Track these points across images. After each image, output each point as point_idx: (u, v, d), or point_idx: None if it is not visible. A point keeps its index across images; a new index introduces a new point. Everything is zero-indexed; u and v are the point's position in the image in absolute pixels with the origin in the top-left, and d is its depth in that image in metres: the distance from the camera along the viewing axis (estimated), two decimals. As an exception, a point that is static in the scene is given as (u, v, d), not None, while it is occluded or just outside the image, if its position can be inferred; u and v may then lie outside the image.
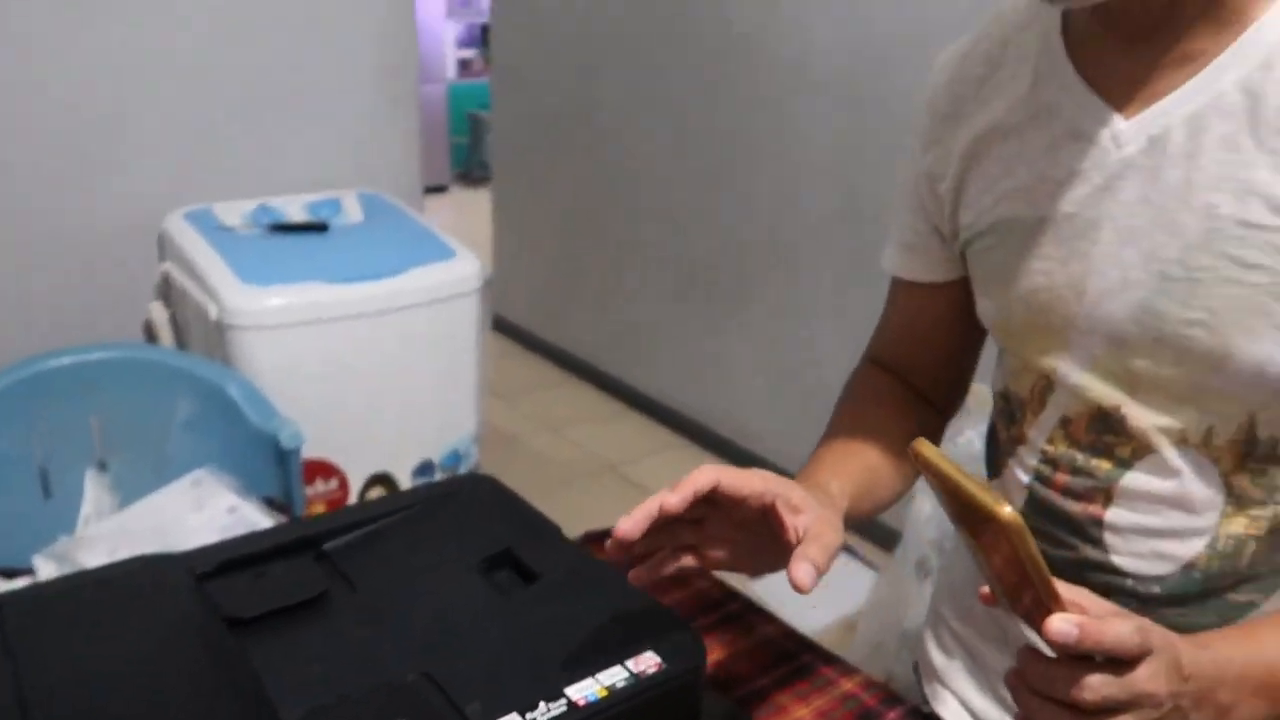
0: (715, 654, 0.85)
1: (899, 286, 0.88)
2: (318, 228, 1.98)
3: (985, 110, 0.74)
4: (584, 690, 0.63)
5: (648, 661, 0.66)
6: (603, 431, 3.17)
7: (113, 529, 1.44)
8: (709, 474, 0.65)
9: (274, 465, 1.60)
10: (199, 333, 1.86)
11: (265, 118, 2.17)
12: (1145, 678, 0.51)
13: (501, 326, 3.92)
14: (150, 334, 2.03)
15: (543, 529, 0.83)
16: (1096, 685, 0.51)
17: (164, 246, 1.99)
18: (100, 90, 1.97)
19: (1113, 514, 0.71)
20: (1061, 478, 0.73)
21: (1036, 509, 0.76)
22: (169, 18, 2.01)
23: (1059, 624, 0.50)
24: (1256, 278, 0.60)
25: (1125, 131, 0.65)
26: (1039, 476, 0.75)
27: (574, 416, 3.27)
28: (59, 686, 0.64)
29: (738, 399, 2.89)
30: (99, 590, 0.76)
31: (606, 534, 0.64)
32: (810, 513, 0.66)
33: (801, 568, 0.61)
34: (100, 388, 1.65)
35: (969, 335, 0.86)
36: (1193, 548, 0.68)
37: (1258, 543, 0.68)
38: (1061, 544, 0.74)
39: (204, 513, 1.44)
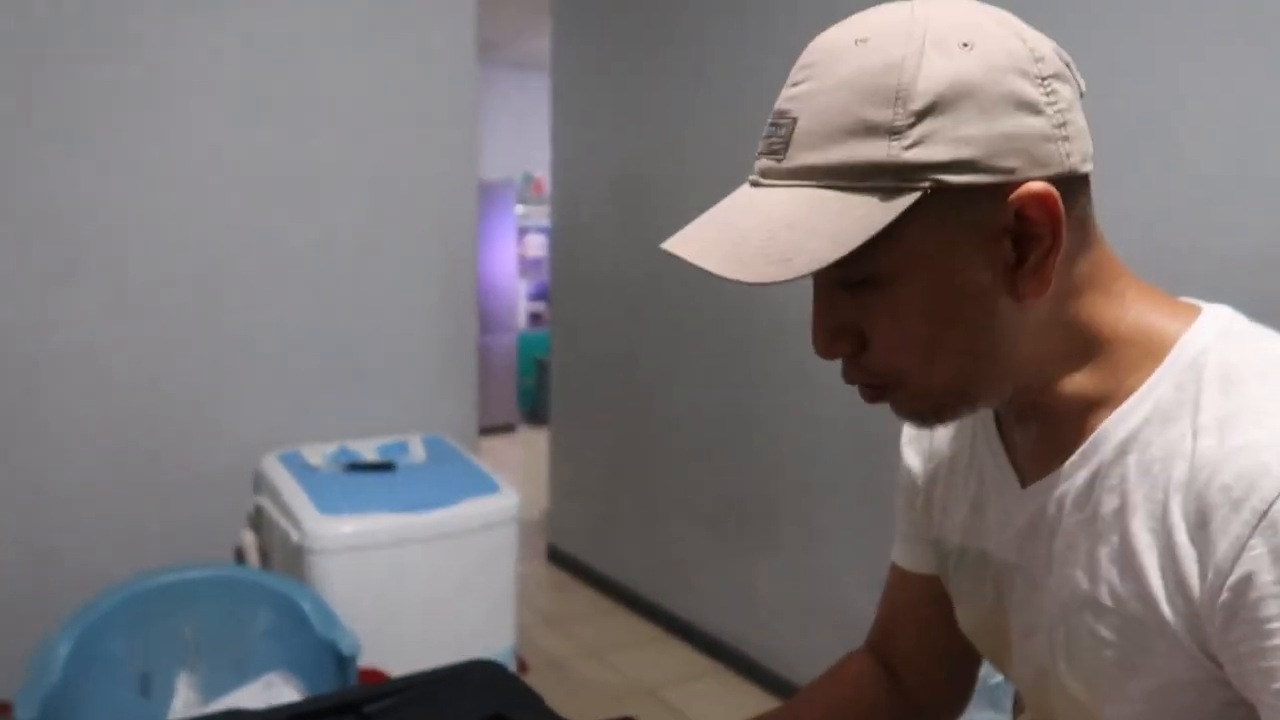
0: None
1: (895, 573, 0.89)
2: (387, 466, 2.32)
3: (940, 441, 0.81)
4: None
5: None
6: (644, 657, 3.33)
7: (196, 722, 1.68)
8: None
9: (335, 670, 1.84)
10: (281, 556, 2.17)
11: (348, 375, 2.58)
12: None
13: (555, 556, 4.16)
14: (240, 557, 2.35)
15: (529, 699, 1.07)
16: None
17: (258, 482, 2.34)
18: (210, 357, 2.40)
19: None
20: None
21: None
22: (265, 297, 2.47)
23: None
24: (1109, 653, 0.63)
25: (1022, 500, 0.70)
26: None
27: (619, 642, 3.44)
28: None
29: (768, 625, 3.05)
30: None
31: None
32: None
33: None
34: (194, 601, 1.95)
35: (954, 641, 0.83)
36: None
37: None
38: None
39: (273, 708, 1.68)
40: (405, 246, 2.66)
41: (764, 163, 0.62)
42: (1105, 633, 0.62)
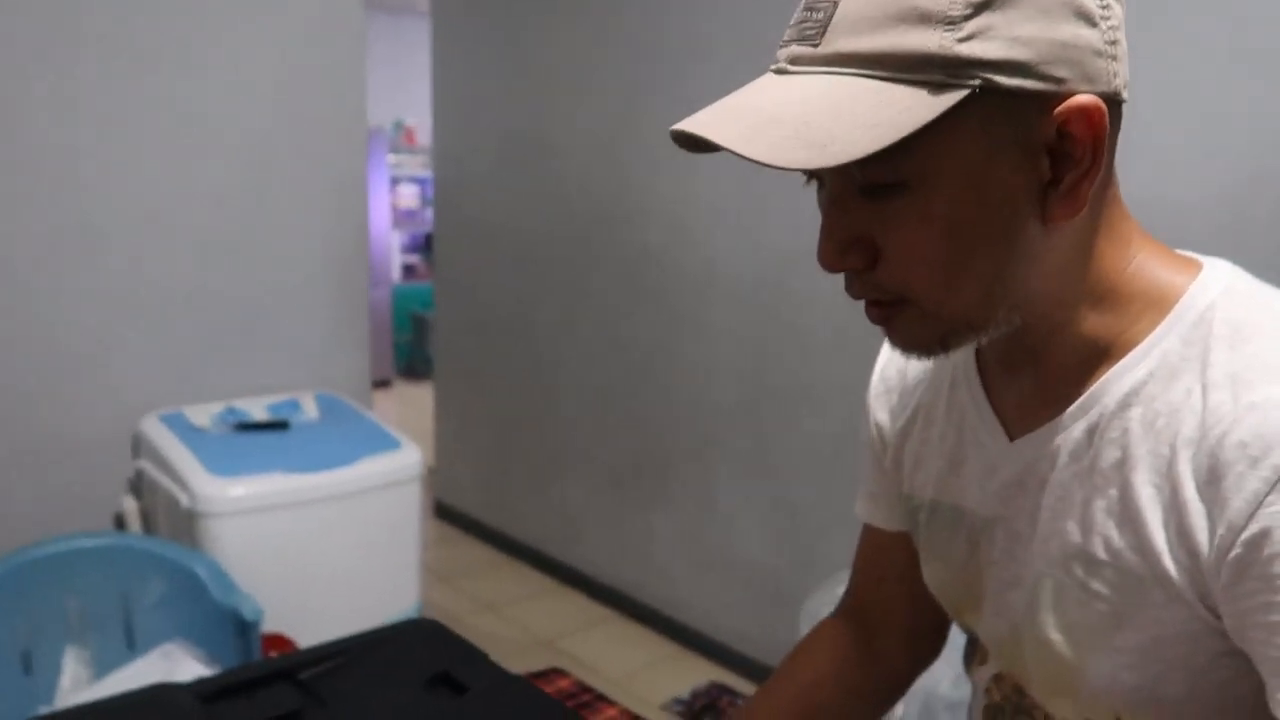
0: None
1: (866, 531, 0.90)
2: (279, 425, 2.23)
3: (913, 394, 0.79)
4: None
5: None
6: (540, 608, 3.34)
7: (87, 697, 1.59)
8: None
9: (236, 637, 1.77)
10: (168, 521, 2.06)
11: (232, 330, 2.45)
12: None
13: (442, 512, 4.12)
14: (120, 524, 2.22)
15: (473, 654, 1.06)
16: None
17: (138, 445, 2.21)
18: (85, 309, 2.24)
19: None
20: None
21: None
22: (146, 246, 2.31)
23: None
24: (1100, 605, 0.62)
25: (1010, 453, 0.69)
26: (985, 717, 0.79)
27: (513, 595, 3.44)
28: None
29: (664, 573, 3.11)
30: (118, 713, 0.95)
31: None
32: None
33: None
34: (77, 573, 1.84)
35: (928, 591, 0.85)
36: None
37: None
38: None
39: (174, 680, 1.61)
40: (293, 196, 2.53)
41: (794, 49, 0.58)
42: (1097, 585, 0.62)
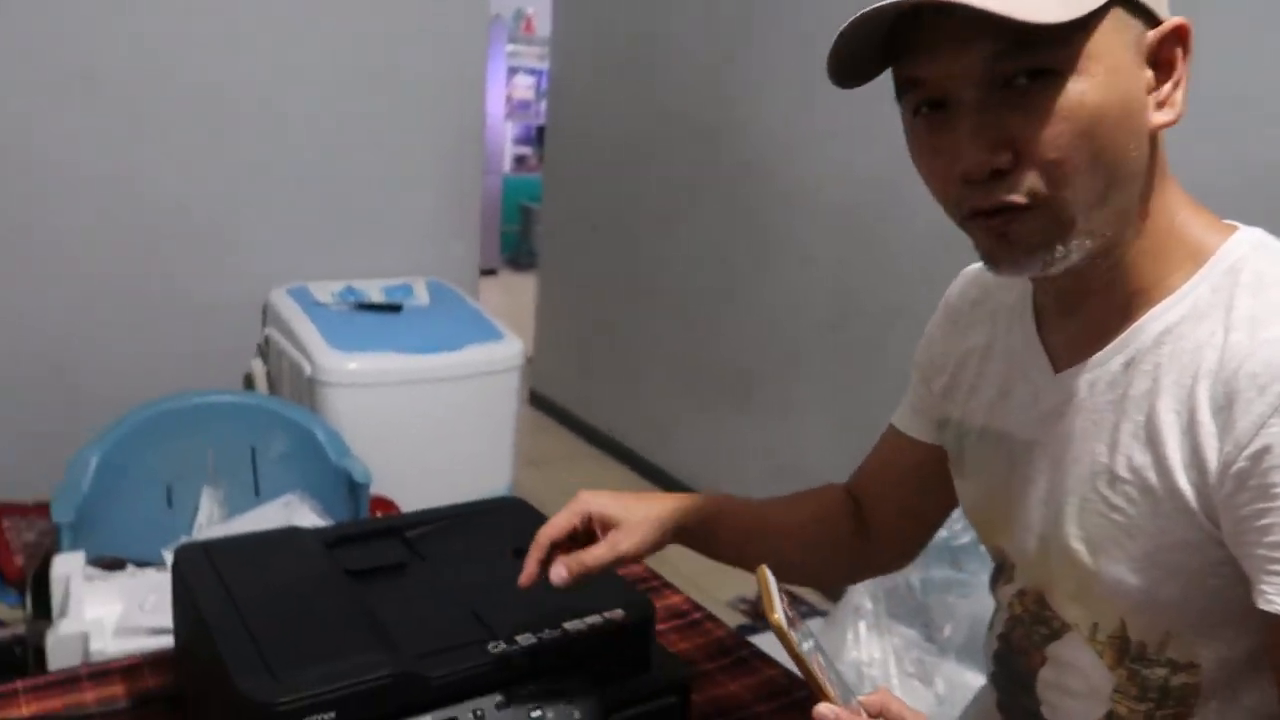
0: (726, 688, 1.13)
1: (892, 432, 0.98)
2: (393, 308, 2.40)
3: (974, 330, 0.88)
4: (574, 625, 0.95)
5: (615, 613, 1.00)
6: (619, 501, 3.52)
7: (220, 533, 1.81)
8: (581, 506, 0.89)
9: (347, 496, 1.98)
10: (291, 386, 2.27)
11: (352, 213, 2.62)
12: None
13: (537, 401, 4.31)
14: (249, 384, 2.45)
15: (555, 534, 1.19)
16: None
17: (267, 315, 2.42)
18: (223, 190, 2.43)
19: (1044, 672, 0.83)
20: (1018, 634, 0.86)
21: (1001, 658, 0.89)
22: (277, 131, 2.47)
23: (821, 710, 0.62)
24: (1117, 517, 0.72)
25: (1054, 383, 0.78)
26: (1005, 630, 0.88)
27: (597, 485, 3.55)
28: (231, 610, 0.92)
29: (742, 480, 3.23)
30: (255, 546, 1.11)
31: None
32: (619, 528, 0.87)
33: (554, 569, 0.84)
34: (213, 424, 2.05)
35: (931, 499, 0.96)
36: (1095, 713, 0.79)
37: None
38: (1011, 689, 0.88)
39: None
40: (413, 85, 2.64)
41: None
42: (1117, 500, 0.71)
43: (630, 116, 3.60)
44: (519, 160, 7.47)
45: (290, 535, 1.13)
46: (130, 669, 1.12)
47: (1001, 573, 0.89)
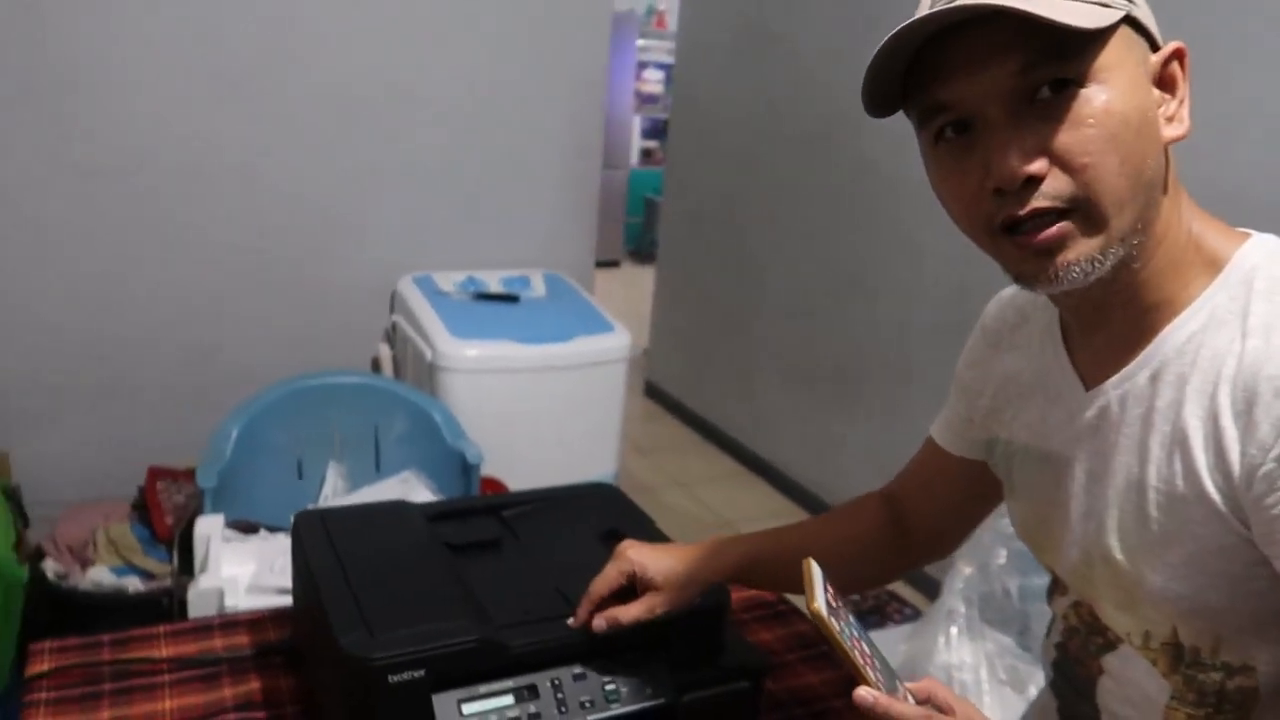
0: (805, 679, 1.19)
1: (931, 445, 1.03)
2: (511, 298, 2.51)
3: (1012, 354, 0.91)
4: (650, 606, 1.04)
5: (692, 597, 1.06)
6: (726, 492, 3.57)
7: (343, 504, 1.94)
8: (627, 565, 0.97)
9: (460, 475, 2.09)
10: (413, 370, 2.40)
11: (478, 207, 2.74)
12: None
13: (651, 391, 4.39)
14: (375, 367, 2.60)
15: (642, 519, 1.25)
16: None
17: (395, 302, 2.56)
18: (356, 184, 2.58)
19: (1104, 681, 0.85)
20: (1075, 644, 0.88)
21: (1060, 666, 0.91)
22: (406, 129, 2.61)
23: (860, 693, 0.65)
24: (1153, 526, 0.73)
25: (1086, 400, 0.79)
26: (1063, 639, 0.90)
27: (704, 476, 3.69)
28: (339, 573, 1.01)
29: (848, 479, 3.23)
30: (365, 517, 1.21)
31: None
32: (657, 591, 0.95)
33: (596, 619, 0.94)
34: (340, 403, 2.20)
35: (966, 507, 1.02)
36: None
37: None
38: (1070, 697, 0.90)
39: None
40: (537, 82, 2.73)
41: None
42: (1151, 509, 0.73)
43: (749, 110, 3.62)
44: (645, 154, 7.57)
45: (398, 508, 1.23)
46: (255, 622, 1.25)
47: (1056, 585, 0.91)
